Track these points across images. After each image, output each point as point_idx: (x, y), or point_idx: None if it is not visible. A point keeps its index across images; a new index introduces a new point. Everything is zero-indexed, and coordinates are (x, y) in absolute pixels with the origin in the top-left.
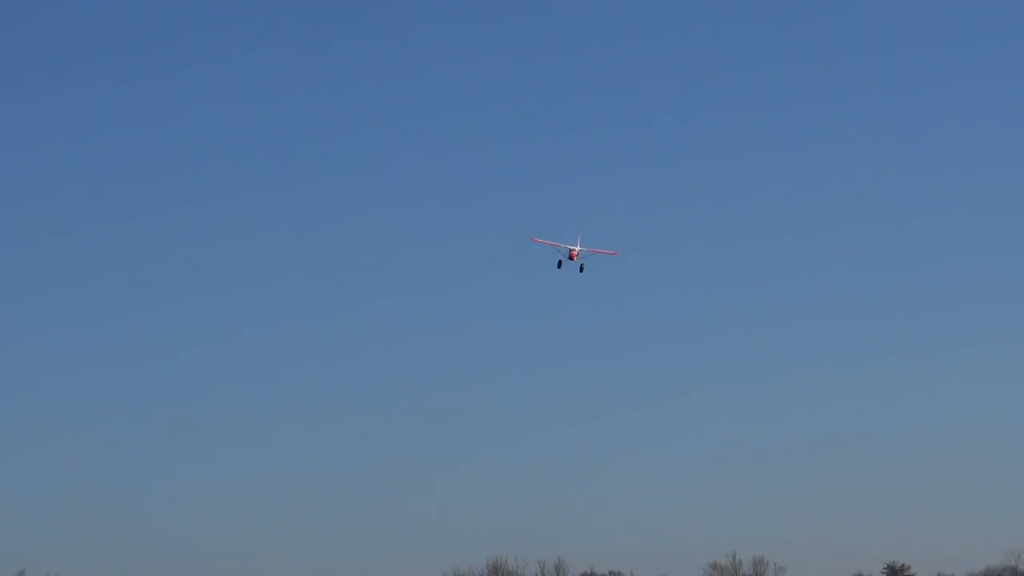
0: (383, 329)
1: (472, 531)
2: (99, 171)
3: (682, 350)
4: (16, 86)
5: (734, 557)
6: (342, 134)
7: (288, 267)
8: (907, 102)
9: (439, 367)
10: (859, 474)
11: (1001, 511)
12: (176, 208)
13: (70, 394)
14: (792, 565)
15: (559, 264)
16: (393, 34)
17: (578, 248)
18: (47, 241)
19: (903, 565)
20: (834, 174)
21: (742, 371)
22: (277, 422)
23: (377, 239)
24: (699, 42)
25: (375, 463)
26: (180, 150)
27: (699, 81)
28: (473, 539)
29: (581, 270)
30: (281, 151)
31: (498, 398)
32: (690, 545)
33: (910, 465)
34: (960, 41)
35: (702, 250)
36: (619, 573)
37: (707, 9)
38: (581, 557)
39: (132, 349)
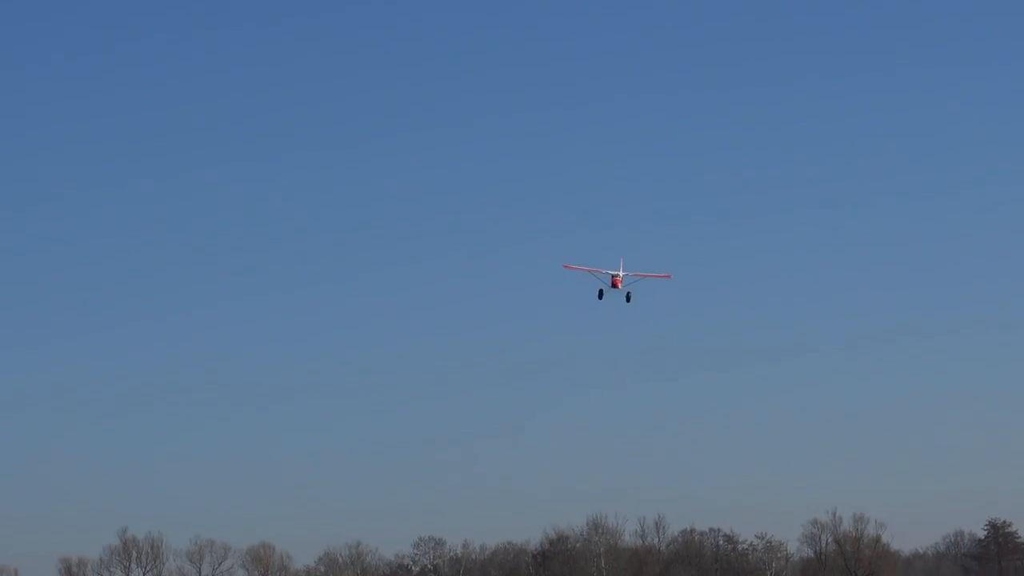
0: (472, 279)
1: (572, 490)
2: (84, 138)
3: (780, 311)
4: None
5: (834, 514)
6: (343, 133)
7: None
8: None
9: (534, 323)
10: (959, 431)
11: None
12: (174, 176)
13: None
14: (893, 522)
15: (600, 294)
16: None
17: (622, 273)
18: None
19: (1004, 522)
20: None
21: (844, 331)
22: (378, 371)
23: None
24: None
25: (473, 423)
26: (175, 117)
27: (739, 82)
28: (574, 498)
29: (628, 299)
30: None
31: (599, 354)
32: (790, 502)
33: (1011, 423)
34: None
35: (782, 217)
36: (719, 530)
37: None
38: (681, 515)
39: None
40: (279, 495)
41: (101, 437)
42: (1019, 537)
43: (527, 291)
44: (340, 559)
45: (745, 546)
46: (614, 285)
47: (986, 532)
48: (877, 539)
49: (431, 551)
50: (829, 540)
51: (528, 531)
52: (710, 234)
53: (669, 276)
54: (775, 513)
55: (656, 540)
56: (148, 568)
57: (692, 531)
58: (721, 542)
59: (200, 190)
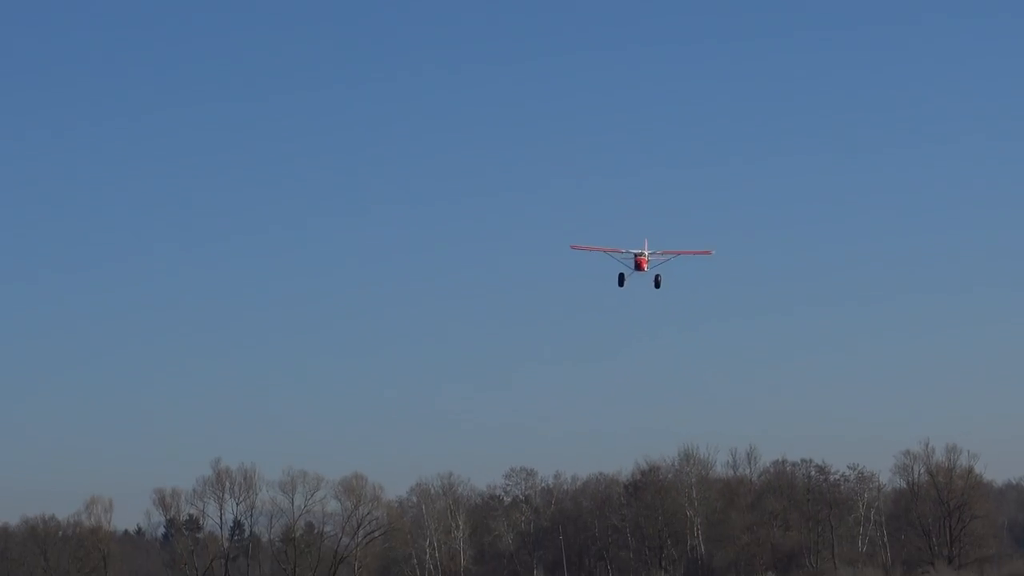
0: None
1: (664, 420)
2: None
3: (868, 248)
4: None
5: (927, 445)
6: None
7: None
8: None
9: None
10: None
11: None
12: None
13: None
14: (985, 453)
15: (621, 280)
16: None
17: (647, 252)
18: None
19: None
20: None
21: (934, 264)
22: (467, 300)
23: None
24: None
25: (566, 354)
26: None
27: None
28: (665, 428)
29: (657, 285)
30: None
31: (696, 289)
32: (882, 433)
33: None
34: None
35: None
36: (810, 461)
37: None
38: (772, 446)
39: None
40: (372, 426)
41: (194, 368)
42: None
43: None
44: (432, 490)
45: (837, 477)
46: (639, 267)
47: None
48: (969, 470)
49: (523, 482)
50: (921, 471)
51: (619, 462)
52: (778, 174)
53: (710, 252)
54: (867, 443)
55: (748, 471)
56: (241, 498)
57: (784, 462)
58: (813, 473)
59: (203, 126)
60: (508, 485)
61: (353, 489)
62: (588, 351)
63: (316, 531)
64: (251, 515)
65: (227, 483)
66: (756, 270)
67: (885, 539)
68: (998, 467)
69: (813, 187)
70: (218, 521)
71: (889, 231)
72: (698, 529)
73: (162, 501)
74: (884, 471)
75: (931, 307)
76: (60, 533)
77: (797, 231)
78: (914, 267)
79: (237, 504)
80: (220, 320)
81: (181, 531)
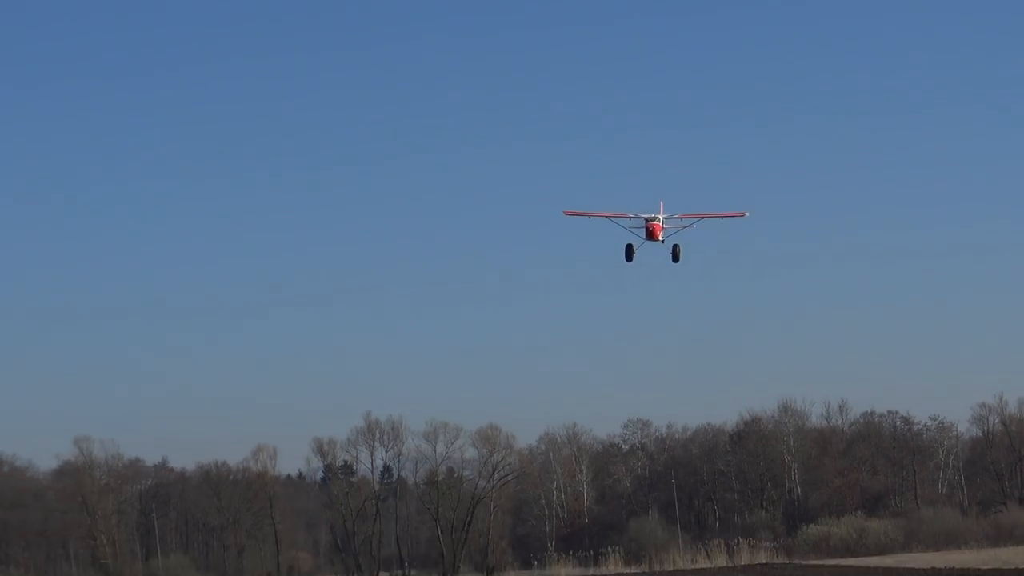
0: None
1: (764, 375)
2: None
3: (957, 203)
4: None
5: (1001, 398)
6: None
7: None
8: None
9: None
10: None
11: None
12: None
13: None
14: None
15: (629, 253)
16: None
17: (662, 218)
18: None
19: None
20: None
21: (1006, 224)
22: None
23: None
24: None
25: (679, 315)
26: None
27: None
28: (765, 382)
29: (675, 258)
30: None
31: (791, 246)
32: (959, 386)
33: None
34: None
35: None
36: (896, 412)
37: None
38: (862, 398)
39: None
40: (506, 380)
41: (348, 329)
42: None
43: None
44: (558, 439)
45: (920, 426)
46: (651, 235)
47: None
48: None
49: (639, 431)
50: (995, 421)
51: (725, 414)
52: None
53: (744, 214)
54: (946, 396)
55: (840, 421)
56: (389, 447)
57: (872, 413)
58: (898, 423)
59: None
60: (626, 434)
61: (488, 438)
62: (697, 316)
63: (456, 475)
64: (399, 461)
65: (377, 433)
66: (823, 224)
67: (962, 482)
68: None
69: (872, 138)
70: (369, 467)
71: (972, 188)
72: (795, 473)
73: (320, 449)
74: (962, 421)
75: (1004, 263)
76: (231, 477)
77: (871, 183)
78: (987, 222)
79: (386, 451)
80: (370, 282)
81: (337, 475)
